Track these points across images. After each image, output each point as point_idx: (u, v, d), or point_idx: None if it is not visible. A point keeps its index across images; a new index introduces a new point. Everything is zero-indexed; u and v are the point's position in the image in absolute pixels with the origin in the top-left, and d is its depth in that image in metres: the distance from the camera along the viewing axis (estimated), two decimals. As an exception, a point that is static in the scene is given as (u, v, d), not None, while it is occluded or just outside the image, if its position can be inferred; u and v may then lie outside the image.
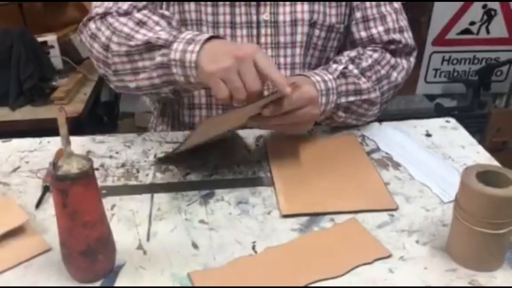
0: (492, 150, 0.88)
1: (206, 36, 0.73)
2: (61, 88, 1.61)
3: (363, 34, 0.94)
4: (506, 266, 0.60)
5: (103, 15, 0.83)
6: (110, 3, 0.85)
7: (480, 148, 0.87)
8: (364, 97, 0.87)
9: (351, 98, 0.86)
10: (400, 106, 2.25)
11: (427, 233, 0.66)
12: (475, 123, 2.00)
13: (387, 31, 0.93)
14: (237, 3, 0.87)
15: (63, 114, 0.52)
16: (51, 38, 1.70)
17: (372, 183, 0.76)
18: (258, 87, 0.68)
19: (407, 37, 0.94)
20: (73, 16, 1.86)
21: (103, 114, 1.95)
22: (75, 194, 0.52)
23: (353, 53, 0.91)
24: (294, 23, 0.90)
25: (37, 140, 0.90)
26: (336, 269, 0.59)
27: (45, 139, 0.90)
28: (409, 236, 0.65)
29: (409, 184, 0.76)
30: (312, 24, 0.91)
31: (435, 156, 0.84)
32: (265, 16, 0.89)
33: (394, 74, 0.92)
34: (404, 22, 0.94)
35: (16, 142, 0.89)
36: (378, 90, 0.88)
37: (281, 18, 0.90)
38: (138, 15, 0.81)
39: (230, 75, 0.68)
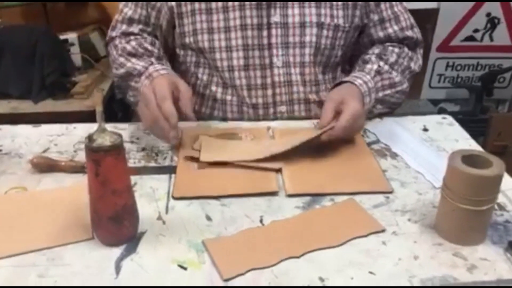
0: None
1: (159, 74, 0.91)
2: (81, 83, 1.70)
3: (381, 34, 1.04)
4: (487, 241, 0.66)
5: (114, 38, 1.06)
6: (117, 31, 1.06)
7: (472, 142, 0.93)
8: (398, 88, 1.00)
9: (387, 92, 0.99)
10: (404, 110, 2.30)
11: (418, 213, 0.72)
12: (478, 128, 2.05)
13: (401, 29, 1.04)
14: (247, 6, 0.95)
15: (100, 94, 0.60)
16: (72, 36, 1.79)
17: (371, 169, 0.83)
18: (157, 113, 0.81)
19: (417, 31, 1.07)
20: (93, 16, 1.96)
21: (118, 111, 2.02)
22: (107, 164, 0.60)
23: (377, 50, 1.04)
24: (303, 24, 0.98)
25: (64, 126, 0.98)
26: (334, 240, 0.66)
27: (72, 125, 0.98)
28: (402, 215, 0.72)
29: (405, 171, 0.83)
30: (320, 25, 0.98)
31: (430, 148, 0.91)
32: (276, 18, 0.97)
33: (412, 64, 1.05)
34: (412, 19, 1.06)
35: (45, 127, 0.98)
36: (406, 80, 1.02)
37: (290, 20, 0.97)
38: (128, 47, 1.01)
39: (149, 105, 0.83)
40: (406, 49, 1.05)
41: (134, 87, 0.98)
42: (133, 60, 0.99)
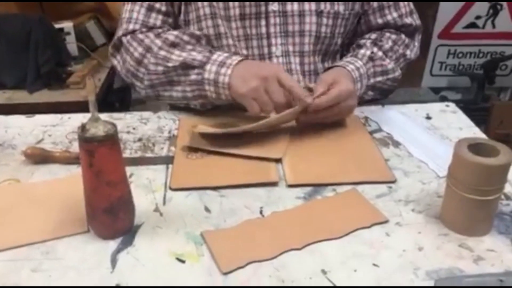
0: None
1: (236, 60, 0.85)
2: (76, 73, 1.67)
3: (380, 21, 1.02)
4: (494, 231, 0.65)
5: (132, 32, 0.95)
6: (135, 23, 0.95)
7: (476, 130, 0.91)
8: (390, 76, 0.98)
9: (378, 78, 0.97)
10: (405, 98, 2.28)
11: (423, 203, 0.71)
12: (479, 116, 2.03)
13: (400, 16, 1.02)
14: None
15: (92, 82, 0.58)
16: (67, 25, 1.75)
17: (373, 159, 0.81)
18: (283, 100, 0.81)
19: (416, 18, 1.04)
20: (89, 4, 1.92)
21: (116, 101, 2.00)
22: (100, 154, 0.58)
23: (373, 35, 1.01)
24: (302, 13, 0.95)
25: (58, 116, 0.96)
26: (336, 231, 0.64)
27: (66, 115, 0.96)
28: (406, 205, 0.70)
29: (407, 160, 0.81)
30: (319, 13, 0.95)
31: (433, 136, 0.89)
32: (274, 6, 0.94)
33: (408, 51, 1.02)
34: (411, 5, 1.04)
35: (39, 118, 0.95)
36: (399, 68, 0.99)
37: (289, 7, 0.94)
38: (171, 37, 0.91)
39: (258, 94, 0.81)
40: (403, 36, 1.02)
41: (194, 80, 0.88)
42: (177, 52, 0.89)
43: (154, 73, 0.91)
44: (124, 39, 0.95)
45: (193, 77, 0.88)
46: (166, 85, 0.92)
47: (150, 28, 0.95)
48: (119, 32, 0.97)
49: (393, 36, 1.01)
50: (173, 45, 0.91)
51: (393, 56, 0.99)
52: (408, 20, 1.02)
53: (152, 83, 0.93)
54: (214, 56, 0.87)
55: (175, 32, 0.93)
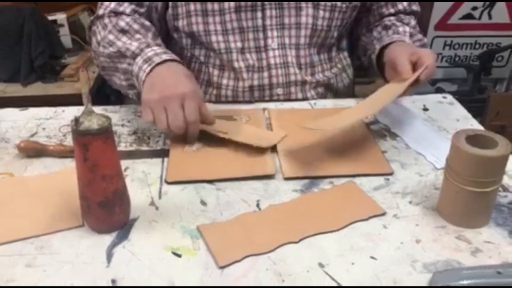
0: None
1: (160, 59, 0.82)
2: (70, 65, 1.65)
3: (392, 10, 1.04)
4: (491, 223, 0.64)
5: (101, 16, 0.94)
6: (105, 9, 0.95)
7: (474, 121, 0.91)
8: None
9: None
10: (401, 90, 2.28)
11: (420, 195, 0.70)
12: (475, 108, 2.02)
13: (409, 4, 1.05)
14: None
15: (85, 74, 0.57)
16: (60, 17, 1.74)
17: (370, 151, 0.80)
18: (180, 124, 0.75)
19: (417, 4, 1.07)
20: (82, -4, 1.90)
21: (110, 93, 1.98)
22: (95, 148, 0.57)
23: (392, 17, 1.04)
24: (298, 5, 0.94)
25: (52, 109, 0.95)
26: (333, 224, 0.64)
27: (60, 108, 0.95)
28: (403, 198, 0.70)
29: (405, 152, 0.81)
30: (316, 6, 0.94)
31: (430, 128, 0.88)
32: None
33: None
34: None
35: (33, 111, 0.94)
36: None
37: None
38: (121, 23, 0.91)
39: (156, 108, 0.76)
40: (412, 17, 1.06)
41: (126, 69, 0.88)
42: (124, 39, 0.89)
43: (101, 55, 0.92)
44: (93, 23, 0.96)
45: (124, 66, 0.88)
46: (112, 70, 0.92)
47: (119, 14, 0.94)
48: (91, 17, 0.98)
49: (407, 17, 1.04)
50: (122, 31, 0.90)
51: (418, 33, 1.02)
52: (415, 7, 1.06)
53: (102, 65, 0.94)
54: (147, 50, 0.85)
55: (128, 19, 0.92)
